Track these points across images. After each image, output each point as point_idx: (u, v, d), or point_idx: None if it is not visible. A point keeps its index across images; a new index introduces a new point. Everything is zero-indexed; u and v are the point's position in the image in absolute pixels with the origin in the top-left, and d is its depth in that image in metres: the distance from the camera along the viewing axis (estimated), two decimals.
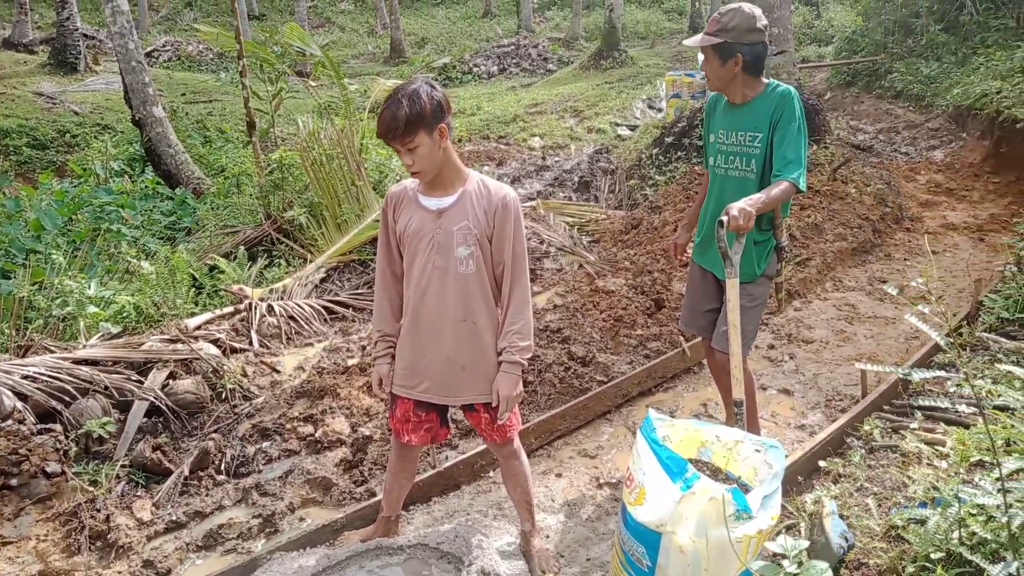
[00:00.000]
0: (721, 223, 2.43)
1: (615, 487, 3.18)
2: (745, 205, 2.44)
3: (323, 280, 5.57)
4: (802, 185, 2.61)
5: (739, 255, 2.54)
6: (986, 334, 3.64)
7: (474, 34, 22.54)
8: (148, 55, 17.70)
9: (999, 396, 2.50)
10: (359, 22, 25.89)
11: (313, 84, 12.26)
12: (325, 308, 5.03)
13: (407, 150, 2.19)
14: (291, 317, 4.78)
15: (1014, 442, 2.23)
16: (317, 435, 3.55)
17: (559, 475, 3.32)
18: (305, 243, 6.04)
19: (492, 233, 2.31)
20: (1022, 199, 6.82)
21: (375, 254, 6.15)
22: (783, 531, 2.52)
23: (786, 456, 3.07)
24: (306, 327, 4.76)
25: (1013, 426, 2.24)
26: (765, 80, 2.79)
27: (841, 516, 2.46)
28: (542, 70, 17.43)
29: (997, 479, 1.84)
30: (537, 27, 23.33)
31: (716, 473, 2.46)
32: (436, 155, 2.23)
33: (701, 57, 2.93)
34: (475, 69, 17.54)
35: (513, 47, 18.55)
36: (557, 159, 9.21)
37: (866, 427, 3.16)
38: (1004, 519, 1.76)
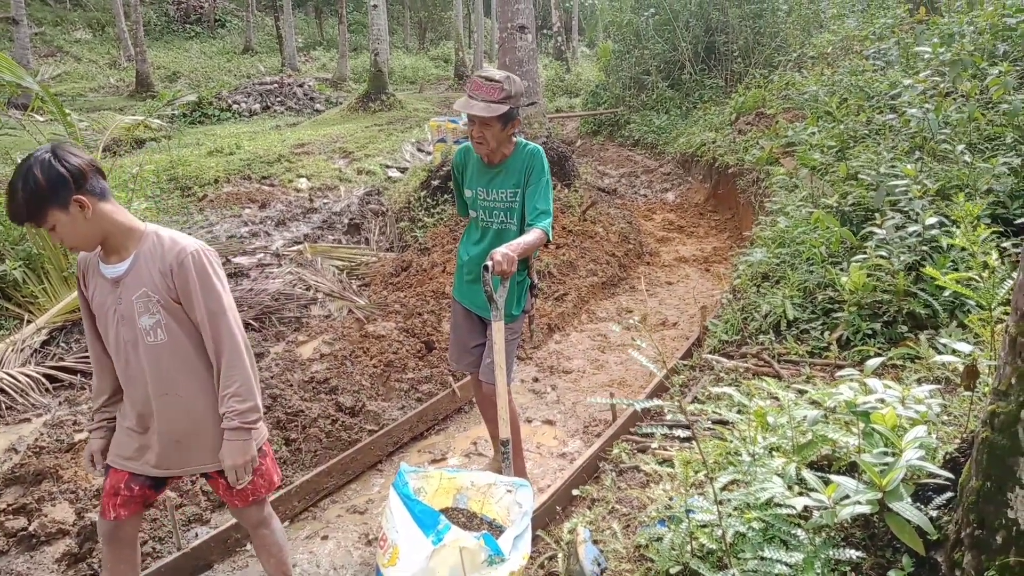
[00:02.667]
0: (486, 268, 2.53)
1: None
2: (507, 250, 2.58)
3: (45, 343, 4.83)
4: (550, 235, 2.86)
5: (503, 298, 2.66)
6: (710, 355, 4.13)
7: (233, 70, 21.47)
8: None
9: (718, 413, 2.83)
10: (99, 52, 23.37)
11: (40, 119, 10.79)
12: (47, 376, 4.36)
13: (48, 231, 2.01)
14: (0, 390, 4.06)
15: (729, 455, 2.52)
16: (32, 528, 3.02)
17: (325, 537, 3.15)
18: (22, 301, 5.21)
19: (177, 296, 2.11)
20: (736, 234, 7.96)
21: None
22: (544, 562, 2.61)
23: (548, 487, 3.22)
24: (20, 399, 4.07)
25: (730, 440, 2.54)
26: (514, 139, 2.97)
27: (595, 541, 2.60)
28: (309, 109, 17.04)
29: (718, 491, 2.06)
30: (303, 66, 22.87)
31: (472, 518, 2.48)
32: (82, 228, 2.02)
33: (463, 119, 3.04)
34: (235, 106, 16.63)
35: (277, 85, 17.93)
36: (326, 201, 8.98)
37: (615, 451, 3.40)
38: (719, 531, 1.96)
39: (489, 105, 2.78)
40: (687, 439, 3.32)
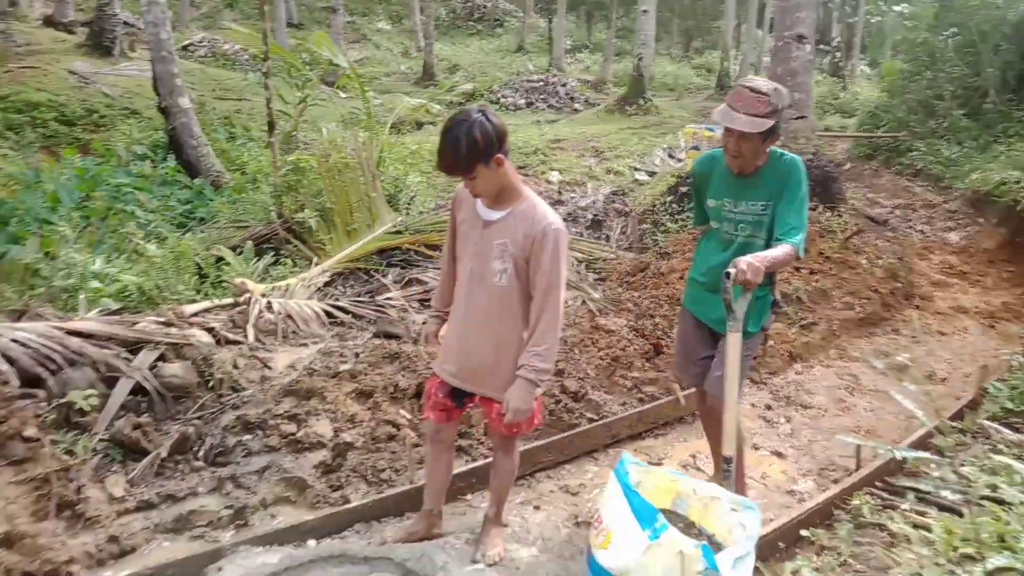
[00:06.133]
0: (727, 275, 2.45)
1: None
2: (754, 260, 2.46)
3: (327, 284, 5.56)
4: (802, 252, 2.68)
5: (743, 309, 2.55)
6: (988, 423, 3.59)
7: (505, 67, 22.85)
8: (184, 48, 17.96)
9: (995, 489, 2.45)
10: (395, 42, 26.32)
11: (343, 95, 12.44)
12: (325, 312, 5.01)
13: (468, 179, 2.39)
14: (289, 316, 4.76)
15: (1006, 538, 2.18)
16: (299, 435, 3.50)
17: (537, 507, 3.26)
18: (313, 246, 6.05)
19: (528, 257, 2.42)
20: None
21: (381, 264, 6.14)
22: None
23: (770, 520, 3.02)
24: (303, 327, 4.74)
25: (1007, 522, 2.19)
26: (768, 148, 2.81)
27: None
28: (568, 108, 17.62)
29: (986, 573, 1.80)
30: (568, 67, 23.67)
31: (689, 527, 2.41)
32: (493, 180, 2.39)
33: (719, 130, 2.94)
34: (502, 100, 17.74)
35: (542, 83, 18.79)
36: (573, 195, 9.25)
37: (856, 501, 3.08)
38: None
39: (753, 120, 2.61)
40: (948, 508, 2.92)
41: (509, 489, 2.89)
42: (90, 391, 3.33)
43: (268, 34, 6.93)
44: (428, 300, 5.02)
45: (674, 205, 7.51)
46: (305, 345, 4.60)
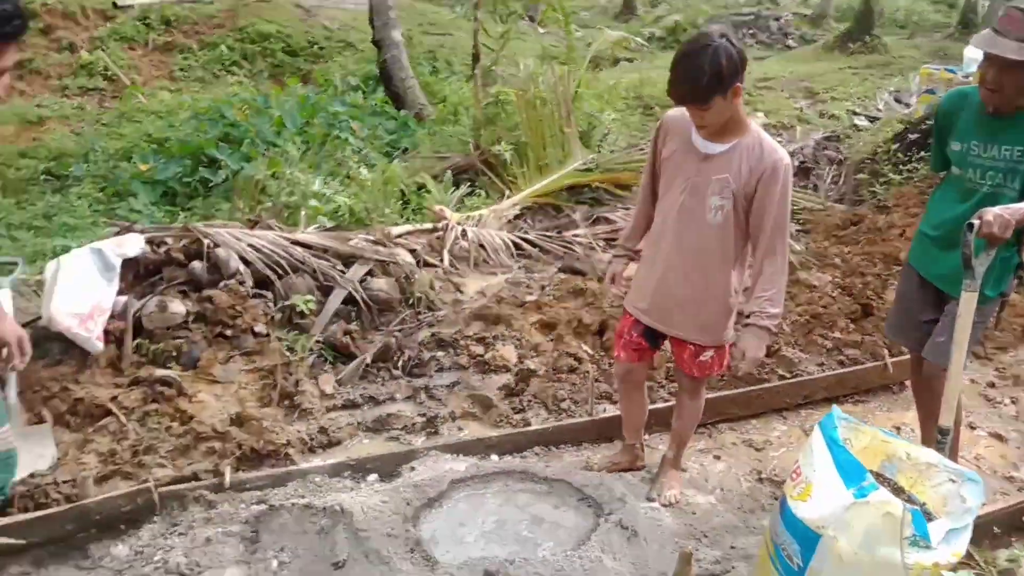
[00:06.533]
0: (970, 226, 2.14)
1: (777, 486, 2.97)
2: (1004, 213, 2.14)
3: (516, 217, 5.68)
4: None
5: (984, 267, 2.22)
6: None
7: (714, 0, 21.47)
8: None
9: None
10: None
11: (541, 30, 12.39)
12: (514, 243, 5.13)
13: (700, 111, 2.19)
14: (481, 244, 4.94)
15: None
16: (486, 357, 3.66)
17: (717, 457, 3.17)
18: (506, 179, 6.18)
19: (753, 194, 2.26)
20: None
21: (570, 201, 6.14)
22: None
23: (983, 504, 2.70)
24: (493, 256, 4.89)
25: None
26: None
27: None
28: (780, 45, 16.25)
29: None
30: None
31: (897, 492, 2.21)
32: (725, 112, 2.19)
33: (976, 59, 2.52)
34: None
35: (752, 17, 17.44)
36: (779, 139, 8.58)
37: None
38: None
39: (1021, 45, 2.20)
40: None
41: (691, 433, 2.84)
42: (309, 296, 3.70)
43: None
44: (615, 239, 4.96)
45: (900, 154, 6.73)
46: (494, 274, 4.76)
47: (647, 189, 2.58)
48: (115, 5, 11.77)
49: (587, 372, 3.51)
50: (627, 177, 5.97)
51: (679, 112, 2.37)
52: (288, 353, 3.40)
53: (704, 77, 2.05)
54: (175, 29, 11.89)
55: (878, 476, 2.19)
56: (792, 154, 7.92)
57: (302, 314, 3.64)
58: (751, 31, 16.92)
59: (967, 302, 2.24)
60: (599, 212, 5.76)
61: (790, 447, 3.28)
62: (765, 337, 2.35)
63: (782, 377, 3.74)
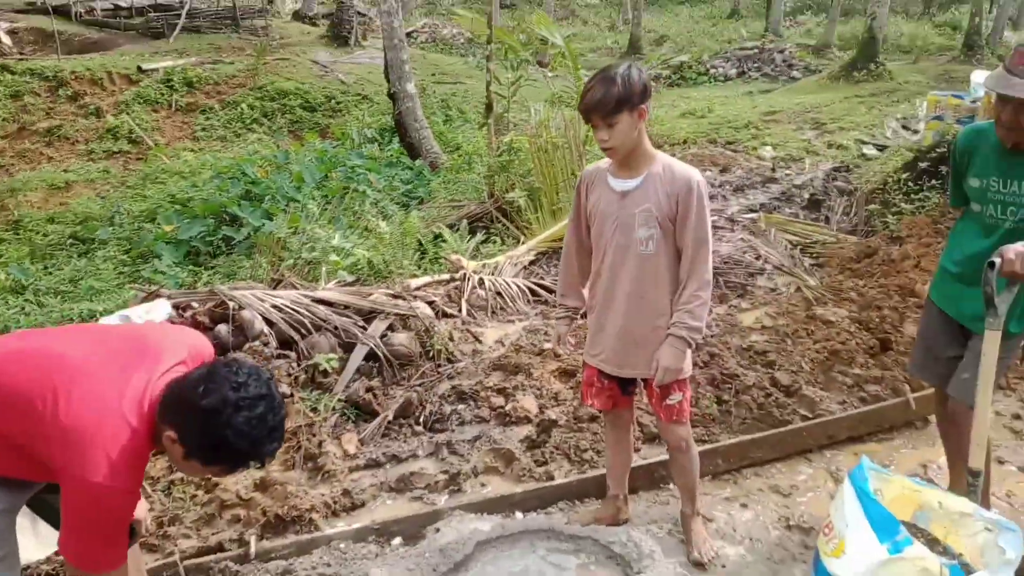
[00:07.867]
0: (992, 264, 2.16)
1: (807, 533, 2.94)
2: None
3: (532, 262, 5.74)
4: None
5: (1006, 304, 2.24)
6: None
7: (716, 35, 21.76)
8: (408, 35, 19.27)
9: None
10: (602, 16, 26.16)
11: (550, 74, 12.64)
12: (530, 289, 5.19)
13: (607, 126, 2.29)
14: (498, 293, 5.00)
15: None
16: (507, 408, 3.68)
17: (744, 505, 3.14)
18: (521, 224, 6.27)
19: (675, 216, 2.36)
20: None
21: None
22: None
23: None
24: (510, 304, 4.95)
25: None
26: None
27: None
28: (785, 76, 16.39)
29: None
30: (786, 31, 21.98)
31: (932, 544, 2.19)
32: (632, 135, 2.32)
33: (981, 92, 2.57)
34: (712, 71, 16.94)
35: (756, 50, 17.63)
36: (788, 172, 8.63)
37: None
38: None
39: None
40: None
41: (696, 483, 2.77)
42: (332, 355, 3.76)
43: (492, 17, 7.22)
44: None
45: (910, 183, 6.72)
46: (512, 322, 4.80)
47: (574, 243, 2.64)
48: (140, 69, 12.21)
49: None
50: None
51: (593, 166, 2.56)
52: (311, 413, 3.45)
53: (615, 88, 2.23)
54: (197, 90, 12.32)
55: (911, 527, 2.18)
56: (801, 186, 7.99)
57: (325, 372, 3.70)
58: (756, 64, 17.12)
59: (991, 340, 2.25)
60: None
61: (817, 491, 3.25)
62: (682, 347, 2.40)
63: (804, 417, 3.71)
